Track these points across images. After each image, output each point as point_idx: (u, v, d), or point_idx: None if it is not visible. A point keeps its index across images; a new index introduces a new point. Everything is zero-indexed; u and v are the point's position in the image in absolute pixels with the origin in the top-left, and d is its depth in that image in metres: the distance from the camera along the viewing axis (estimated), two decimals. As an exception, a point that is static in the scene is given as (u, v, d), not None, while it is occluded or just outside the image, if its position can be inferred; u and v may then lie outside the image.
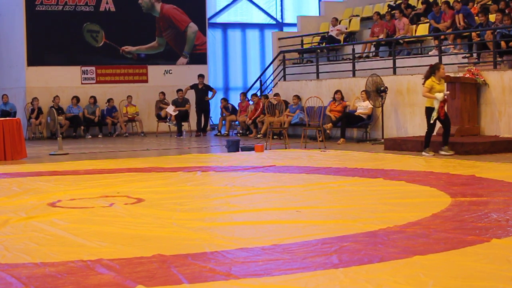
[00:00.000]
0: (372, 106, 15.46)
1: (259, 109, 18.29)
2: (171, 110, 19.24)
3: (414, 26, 17.40)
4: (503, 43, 13.75)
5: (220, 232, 5.85)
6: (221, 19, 24.02)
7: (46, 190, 8.52)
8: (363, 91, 15.67)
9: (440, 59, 14.82)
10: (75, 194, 8.22)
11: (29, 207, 7.26)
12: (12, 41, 20.37)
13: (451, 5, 16.04)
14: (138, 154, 13.90)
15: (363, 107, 15.57)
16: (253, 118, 18.32)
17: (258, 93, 20.07)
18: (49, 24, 19.86)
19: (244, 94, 19.74)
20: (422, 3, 18.12)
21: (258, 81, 20.84)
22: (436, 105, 11.37)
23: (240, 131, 19.03)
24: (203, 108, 19.60)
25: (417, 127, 14.83)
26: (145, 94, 20.85)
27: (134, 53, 20.93)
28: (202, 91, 19.65)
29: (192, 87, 19.68)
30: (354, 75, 16.91)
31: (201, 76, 19.73)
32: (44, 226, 6.15)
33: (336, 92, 16.25)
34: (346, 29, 19.94)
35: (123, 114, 20.09)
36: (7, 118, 14.91)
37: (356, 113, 15.58)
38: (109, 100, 19.93)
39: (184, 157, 12.81)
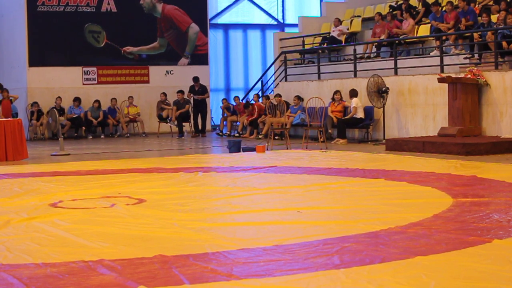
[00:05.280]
0: (356, 106, 15.51)
1: (256, 113, 18.30)
2: (173, 124, 19.30)
3: (416, 26, 17.39)
4: (504, 44, 13.74)
5: (222, 232, 5.85)
6: (222, 19, 24.02)
7: (48, 191, 8.52)
8: (350, 90, 15.77)
9: (442, 60, 14.83)
10: (77, 194, 8.21)
11: (31, 207, 7.26)
12: (13, 42, 20.38)
13: (455, 4, 15.98)
14: (140, 154, 13.90)
15: (351, 108, 15.68)
16: (250, 119, 18.34)
17: (258, 94, 20.09)
18: (50, 24, 19.86)
19: (237, 98, 19.89)
20: (422, 5, 18.05)
21: (260, 82, 20.84)
22: None
23: (240, 132, 19.01)
24: (200, 109, 19.48)
25: (418, 128, 14.83)
26: (146, 95, 20.86)
27: (136, 54, 20.93)
28: (199, 92, 19.52)
29: (190, 91, 19.56)
30: (355, 76, 16.91)
31: (195, 80, 19.53)
32: (45, 227, 6.15)
33: (335, 92, 16.25)
34: (348, 29, 19.94)
35: (124, 114, 20.10)
36: (9, 119, 14.90)
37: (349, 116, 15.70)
38: (111, 101, 19.93)
39: (185, 158, 12.80)
